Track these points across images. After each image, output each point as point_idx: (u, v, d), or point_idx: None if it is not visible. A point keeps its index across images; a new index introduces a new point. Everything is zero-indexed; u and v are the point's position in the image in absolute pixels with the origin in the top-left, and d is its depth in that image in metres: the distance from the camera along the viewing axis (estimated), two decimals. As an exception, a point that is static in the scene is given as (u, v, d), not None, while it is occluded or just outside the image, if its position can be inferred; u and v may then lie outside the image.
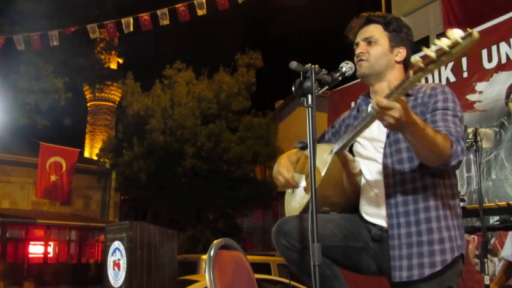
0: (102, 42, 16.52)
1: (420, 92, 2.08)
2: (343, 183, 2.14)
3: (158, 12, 10.53)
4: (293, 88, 1.89)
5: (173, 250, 5.91)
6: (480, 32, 5.14)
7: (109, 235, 5.79)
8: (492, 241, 4.76)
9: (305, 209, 2.05)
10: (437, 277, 1.90)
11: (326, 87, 1.97)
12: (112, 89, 37.57)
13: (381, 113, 1.66)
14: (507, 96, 4.81)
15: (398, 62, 2.15)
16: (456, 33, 1.46)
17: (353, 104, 6.38)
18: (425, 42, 9.24)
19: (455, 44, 1.46)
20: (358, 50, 2.15)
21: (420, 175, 1.98)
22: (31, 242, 19.27)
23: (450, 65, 5.35)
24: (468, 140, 3.76)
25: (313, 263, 1.70)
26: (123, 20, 10.59)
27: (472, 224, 3.58)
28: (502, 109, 4.85)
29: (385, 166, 2.05)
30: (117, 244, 5.58)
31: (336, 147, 2.12)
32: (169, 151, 17.46)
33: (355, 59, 2.14)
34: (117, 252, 5.55)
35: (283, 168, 2.15)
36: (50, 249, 19.81)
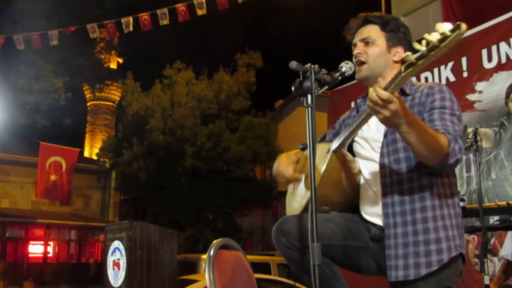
0: (102, 42, 16.51)
1: (417, 91, 2.09)
2: (343, 183, 2.14)
3: (158, 12, 10.53)
4: (293, 88, 1.90)
5: (173, 250, 5.91)
6: (480, 32, 5.16)
7: (109, 235, 5.79)
8: (492, 241, 4.76)
9: (305, 209, 2.06)
10: (434, 276, 1.89)
11: (326, 87, 1.97)
12: (112, 88, 37.61)
13: (378, 106, 1.66)
14: (507, 96, 4.81)
15: (396, 62, 2.15)
16: (444, 27, 1.46)
17: (353, 104, 6.39)
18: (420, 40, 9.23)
19: (444, 38, 1.46)
20: (355, 51, 2.16)
21: (417, 175, 1.97)
22: (31, 242, 19.27)
23: (450, 64, 5.36)
24: (468, 140, 3.76)
25: (312, 263, 1.70)
26: (123, 20, 10.60)
27: (472, 224, 3.58)
28: (502, 109, 4.84)
29: (382, 166, 2.05)
30: (117, 243, 5.58)
31: (333, 145, 2.13)
32: (169, 151, 17.47)
33: (353, 60, 2.15)
34: (117, 252, 5.55)
35: (283, 164, 2.16)
36: (50, 249, 19.81)
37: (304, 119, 1.84)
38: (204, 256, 2.49)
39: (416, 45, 1.52)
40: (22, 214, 19.24)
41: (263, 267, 9.19)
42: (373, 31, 2.16)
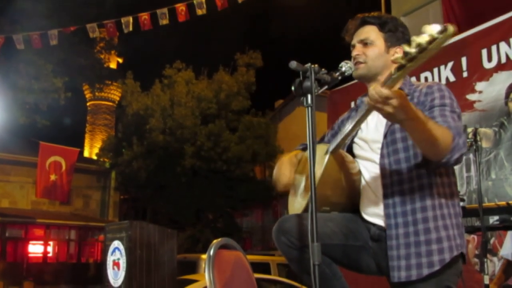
0: (101, 42, 16.51)
1: (416, 91, 2.09)
2: (342, 183, 2.15)
3: (158, 11, 10.54)
4: (292, 88, 1.90)
5: (173, 250, 5.91)
6: (480, 32, 5.16)
7: (109, 235, 5.79)
8: (491, 240, 4.76)
9: (306, 210, 2.06)
10: (435, 277, 1.90)
11: (326, 87, 1.97)
12: (112, 88, 37.59)
13: (379, 103, 1.66)
14: (507, 96, 4.81)
15: (393, 61, 2.15)
16: (432, 29, 1.47)
17: (353, 103, 6.39)
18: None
19: (432, 40, 1.46)
20: (354, 52, 2.16)
21: (417, 175, 1.98)
22: (31, 242, 19.27)
23: (450, 64, 5.36)
24: (467, 140, 3.76)
25: (312, 263, 1.70)
26: (122, 20, 10.60)
27: (472, 223, 3.58)
28: (502, 109, 4.84)
29: (382, 167, 2.05)
30: (116, 243, 5.58)
31: (331, 146, 2.13)
32: (168, 150, 17.47)
33: (352, 61, 2.14)
34: (117, 252, 5.55)
35: (284, 168, 2.17)
36: (49, 249, 19.82)
37: (304, 119, 1.84)
38: (204, 256, 2.49)
39: (406, 47, 1.53)
40: (22, 214, 19.24)
41: (263, 267, 9.18)
42: (371, 32, 2.16)
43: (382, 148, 2.07)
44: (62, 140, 21.03)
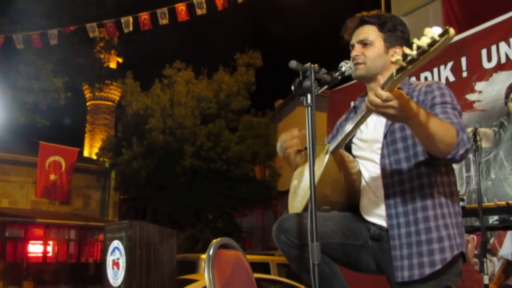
0: (101, 41, 16.51)
1: (415, 90, 2.09)
2: (342, 183, 2.15)
3: (158, 11, 10.54)
4: (292, 88, 1.90)
5: (172, 250, 5.91)
6: (480, 32, 5.16)
7: (108, 234, 5.79)
8: (491, 240, 4.76)
9: (306, 209, 2.07)
10: (436, 276, 1.90)
11: (326, 87, 1.98)
12: (112, 88, 37.59)
13: (380, 107, 1.66)
14: (507, 96, 4.81)
15: (394, 63, 2.15)
16: (433, 31, 1.47)
17: (352, 103, 6.39)
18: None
19: (433, 42, 1.47)
20: (353, 53, 2.15)
21: (417, 174, 1.98)
22: (31, 241, 19.26)
23: (450, 64, 5.36)
24: (468, 139, 3.75)
25: (312, 262, 1.70)
26: (122, 20, 10.60)
27: (472, 223, 3.59)
28: (501, 109, 4.84)
29: (383, 167, 2.06)
30: (116, 243, 5.58)
31: (331, 146, 2.13)
32: (168, 150, 17.47)
33: (351, 61, 2.14)
34: (116, 251, 5.55)
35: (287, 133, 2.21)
36: (49, 248, 19.80)
37: (304, 119, 1.84)
38: (204, 256, 2.49)
39: (406, 50, 1.53)
40: (22, 213, 19.24)
41: (262, 267, 9.18)
42: (370, 32, 2.15)
43: (382, 148, 2.07)
44: (62, 140, 21.05)
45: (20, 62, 13.55)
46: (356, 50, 2.14)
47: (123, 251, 5.44)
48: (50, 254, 19.84)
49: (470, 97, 5.08)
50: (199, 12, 10.20)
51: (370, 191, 2.12)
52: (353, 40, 2.18)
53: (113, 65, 33.83)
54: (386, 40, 2.14)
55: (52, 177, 19.08)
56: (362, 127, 2.16)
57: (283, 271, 9.59)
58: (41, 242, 19.51)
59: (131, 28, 10.62)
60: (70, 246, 20.59)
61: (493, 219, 3.52)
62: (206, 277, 2.23)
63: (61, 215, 20.90)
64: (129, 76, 19.04)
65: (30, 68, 13.75)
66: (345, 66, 2.04)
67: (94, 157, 23.84)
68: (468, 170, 4.99)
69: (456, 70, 5.30)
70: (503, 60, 4.88)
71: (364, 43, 2.14)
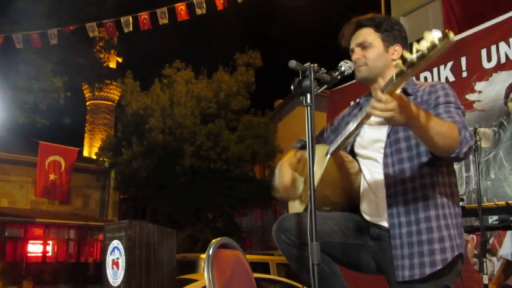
0: (101, 41, 16.51)
1: (419, 91, 2.10)
2: (342, 183, 2.15)
3: (158, 11, 10.54)
4: (292, 87, 1.90)
5: (172, 249, 5.91)
6: (480, 32, 5.16)
7: (108, 234, 5.79)
8: (491, 240, 4.76)
9: (306, 209, 2.07)
10: (436, 276, 1.91)
11: (325, 86, 1.98)
12: (111, 88, 37.53)
13: (381, 109, 1.66)
14: (506, 96, 4.81)
15: (394, 60, 2.16)
16: (433, 35, 1.47)
17: (352, 103, 6.39)
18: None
19: (432, 46, 1.47)
20: (354, 56, 2.16)
21: (420, 174, 1.99)
22: (30, 241, 19.25)
23: (450, 64, 5.36)
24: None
25: (312, 262, 1.71)
26: (122, 19, 10.60)
27: (471, 223, 3.59)
28: (501, 109, 4.84)
29: (385, 166, 2.06)
30: (116, 243, 5.58)
31: (331, 148, 2.13)
32: (168, 150, 17.47)
33: (353, 65, 2.15)
34: (116, 251, 5.55)
35: (285, 172, 2.19)
36: (49, 248, 19.80)
37: (304, 119, 1.84)
38: (203, 256, 2.49)
39: (406, 54, 1.53)
40: (21, 213, 19.23)
41: (262, 267, 9.19)
42: (368, 34, 2.16)
43: (385, 147, 2.08)
44: (62, 140, 21.04)
45: (20, 61, 13.55)
46: (357, 53, 2.15)
47: (122, 250, 5.44)
48: (49, 254, 19.84)
49: (470, 97, 5.08)
50: (199, 11, 10.20)
51: (371, 191, 2.12)
52: (352, 45, 2.19)
53: (112, 64, 33.81)
54: (384, 39, 2.15)
55: (51, 176, 19.08)
56: (366, 126, 2.16)
57: (282, 271, 9.59)
58: (40, 241, 19.51)
59: (131, 28, 10.62)
60: (69, 246, 20.58)
61: (492, 219, 3.52)
62: (206, 277, 2.23)
63: (61, 215, 20.89)
64: (129, 76, 19.04)
65: (30, 68, 13.75)
66: (344, 66, 2.04)
67: (94, 156, 23.83)
68: (467, 170, 4.99)
69: (456, 70, 5.30)
70: (502, 60, 4.88)
71: (363, 46, 2.14)
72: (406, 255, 1.94)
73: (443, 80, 5.35)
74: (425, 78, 5.47)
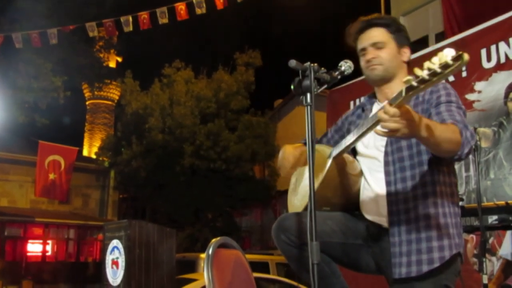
0: (101, 41, 16.50)
1: None
2: (343, 184, 2.16)
3: (157, 11, 10.54)
4: (292, 87, 1.90)
5: (172, 249, 5.92)
6: (480, 32, 5.16)
7: (108, 234, 5.80)
8: (490, 240, 4.76)
9: (306, 208, 2.07)
10: (434, 274, 1.91)
11: (325, 86, 1.98)
12: (111, 87, 37.49)
13: (387, 121, 1.64)
14: (506, 96, 4.81)
15: (404, 62, 2.17)
16: (446, 55, 1.46)
17: (352, 103, 6.40)
18: (425, 41, 9.23)
19: (445, 66, 1.46)
20: (368, 56, 2.13)
21: (420, 173, 2.00)
22: (30, 241, 19.24)
23: (449, 64, 5.34)
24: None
25: (311, 262, 1.71)
26: (122, 19, 10.60)
27: (471, 223, 3.59)
28: (501, 109, 4.85)
29: (386, 164, 2.07)
30: (115, 242, 5.59)
31: (334, 151, 2.13)
32: (168, 149, 17.46)
33: (365, 65, 2.14)
34: (116, 251, 5.55)
35: (289, 155, 2.20)
36: (48, 248, 19.79)
37: (303, 118, 1.85)
38: (203, 255, 2.49)
39: (417, 71, 1.52)
40: (21, 213, 19.22)
41: (262, 266, 9.19)
42: (381, 34, 2.15)
43: (386, 146, 2.08)
44: (61, 139, 21.01)
45: (20, 61, 13.55)
46: (371, 53, 2.13)
47: (122, 250, 5.45)
48: (49, 253, 19.83)
49: (470, 97, 5.08)
50: (198, 11, 10.20)
51: (371, 189, 2.13)
52: (364, 44, 2.16)
53: (112, 64, 33.79)
54: (396, 40, 2.15)
55: (51, 176, 19.07)
56: None
57: (282, 271, 9.60)
58: (40, 241, 19.50)
59: (130, 28, 10.62)
60: (69, 245, 20.57)
61: (492, 219, 3.52)
62: (205, 277, 2.23)
63: (60, 214, 20.88)
64: (129, 76, 19.02)
65: (30, 67, 13.75)
66: (344, 66, 2.04)
67: (94, 156, 23.81)
68: (467, 169, 4.99)
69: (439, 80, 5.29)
70: (502, 60, 4.88)
71: (378, 46, 2.13)
72: (404, 252, 1.95)
73: (442, 80, 5.34)
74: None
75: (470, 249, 4.88)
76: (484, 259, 3.53)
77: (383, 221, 2.07)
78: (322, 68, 1.94)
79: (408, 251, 1.94)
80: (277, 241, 2.07)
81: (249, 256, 2.88)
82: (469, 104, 5.04)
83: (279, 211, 20.44)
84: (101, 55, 17.03)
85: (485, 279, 3.53)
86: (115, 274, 5.50)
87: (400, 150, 2.04)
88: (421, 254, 1.92)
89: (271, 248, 17.34)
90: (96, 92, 36.58)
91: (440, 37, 8.88)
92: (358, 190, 2.18)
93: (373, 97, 2.29)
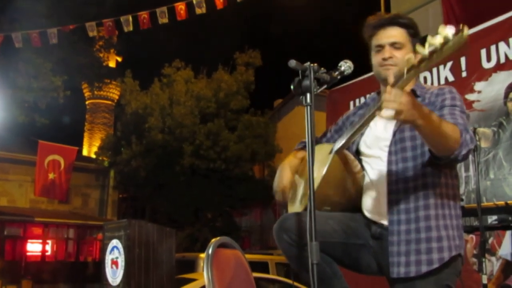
0: (101, 40, 16.51)
1: (427, 93, 2.12)
2: (345, 183, 2.15)
3: (157, 10, 10.54)
4: (292, 87, 1.90)
5: (171, 249, 5.92)
6: (479, 32, 5.16)
7: (107, 233, 5.80)
8: (490, 240, 4.77)
9: (306, 208, 2.07)
10: (434, 275, 1.92)
11: (325, 86, 1.98)
12: (111, 87, 37.47)
13: (393, 101, 1.66)
14: (506, 96, 4.81)
15: (406, 61, 2.17)
16: (447, 31, 1.46)
17: (351, 103, 6.41)
18: (424, 41, 9.22)
19: (445, 42, 1.46)
20: (386, 55, 2.12)
21: (423, 173, 2.00)
22: (29, 240, 19.22)
23: (449, 64, 5.36)
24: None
25: (311, 262, 1.71)
26: (122, 18, 10.60)
27: (470, 223, 3.59)
28: (500, 109, 4.85)
29: (389, 163, 2.08)
30: (115, 242, 5.59)
31: (336, 146, 2.13)
32: (167, 149, 17.46)
33: (379, 62, 2.13)
34: (115, 250, 5.55)
35: (285, 173, 2.22)
36: (48, 247, 19.77)
37: (303, 118, 1.85)
38: (203, 255, 2.49)
39: (419, 48, 1.53)
40: (21, 212, 19.21)
41: (261, 266, 9.19)
42: (401, 35, 2.14)
43: (390, 146, 2.09)
44: (61, 139, 20.99)
45: (20, 61, 13.55)
46: (388, 52, 2.12)
47: (122, 250, 5.45)
48: (48, 253, 19.81)
49: (470, 97, 5.09)
50: (198, 11, 10.20)
51: (373, 189, 2.13)
52: (382, 41, 2.14)
53: (112, 64, 33.79)
54: (412, 44, 2.14)
55: (51, 176, 19.07)
56: (372, 124, 2.16)
57: (282, 271, 9.59)
58: (39, 241, 19.48)
59: (130, 27, 10.62)
60: (68, 245, 20.55)
61: (492, 219, 3.53)
62: (205, 276, 2.23)
63: (60, 214, 20.87)
64: (128, 75, 19.02)
65: (29, 67, 13.75)
66: (344, 66, 2.04)
67: (93, 156, 23.82)
68: (467, 170, 4.99)
69: (455, 70, 5.30)
70: (502, 60, 4.88)
71: (396, 46, 2.12)
72: (403, 252, 1.95)
73: (442, 80, 5.36)
74: (425, 79, 5.47)
75: (470, 249, 4.88)
76: (483, 259, 3.54)
77: (385, 220, 2.07)
78: (322, 68, 1.94)
79: (406, 251, 1.95)
80: (279, 240, 2.07)
81: (248, 256, 2.88)
82: (469, 104, 5.05)
83: (279, 211, 20.42)
84: (101, 55, 17.04)
85: (484, 279, 3.53)
86: (114, 273, 5.50)
87: (404, 151, 2.05)
88: (420, 255, 1.92)
89: (271, 248, 17.35)
90: (96, 92, 36.55)
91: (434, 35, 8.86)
92: (359, 190, 2.18)
93: (377, 97, 2.29)
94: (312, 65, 1.90)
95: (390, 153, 2.08)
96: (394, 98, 1.65)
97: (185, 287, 6.03)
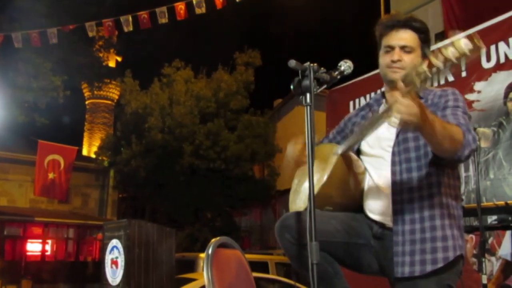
0: (100, 40, 16.51)
1: (430, 94, 2.13)
2: (348, 184, 2.15)
3: (157, 10, 10.54)
4: (291, 87, 1.90)
5: (171, 249, 5.92)
6: (479, 32, 5.17)
7: (107, 233, 5.80)
8: (490, 240, 4.76)
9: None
10: (437, 274, 1.92)
11: (325, 86, 1.98)
12: (111, 87, 37.47)
13: (406, 112, 1.65)
14: (506, 96, 4.81)
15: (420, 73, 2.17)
16: (463, 46, 1.46)
17: (351, 103, 6.40)
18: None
19: (461, 56, 1.47)
20: (395, 57, 2.11)
21: (426, 174, 2.01)
22: (29, 240, 19.23)
23: (449, 64, 5.34)
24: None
25: (311, 262, 1.71)
26: (122, 18, 10.60)
27: (470, 223, 3.59)
28: (500, 109, 4.84)
29: (393, 164, 2.08)
30: (115, 242, 5.59)
31: (341, 147, 2.13)
32: (167, 149, 17.46)
33: (387, 63, 2.12)
34: (115, 250, 5.55)
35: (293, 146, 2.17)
36: (48, 247, 19.78)
37: (303, 118, 1.85)
38: (202, 255, 2.49)
39: (433, 59, 1.52)
40: (20, 212, 19.21)
41: (261, 266, 9.19)
42: (413, 39, 2.12)
43: (393, 146, 2.09)
44: (61, 139, 21.00)
45: (19, 60, 13.56)
46: (398, 55, 2.10)
47: (121, 250, 5.45)
48: (48, 253, 19.82)
49: (469, 97, 5.08)
50: (198, 11, 10.20)
51: (376, 188, 2.13)
52: (393, 42, 2.13)
53: (112, 64, 33.80)
54: (422, 49, 2.13)
55: (50, 175, 19.07)
56: None
57: (281, 270, 9.60)
58: (39, 240, 19.49)
59: (130, 27, 10.63)
60: (68, 245, 20.56)
61: (491, 219, 3.53)
62: (205, 276, 2.23)
63: (60, 214, 20.87)
64: (128, 75, 19.03)
65: (29, 67, 13.76)
66: (344, 65, 2.03)
67: (93, 155, 23.81)
68: (467, 170, 4.99)
69: (455, 70, 5.29)
70: (502, 60, 4.87)
71: (406, 50, 2.11)
72: (407, 252, 1.96)
73: (442, 80, 5.35)
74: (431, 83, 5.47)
75: (470, 249, 4.87)
76: (483, 259, 3.53)
77: (387, 220, 2.07)
78: (322, 68, 1.94)
79: (411, 250, 1.95)
80: (281, 239, 2.07)
81: (248, 256, 2.88)
82: (468, 104, 5.04)
83: (279, 211, 20.45)
84: (101, 55, 17.05)
85: (484, 279, 3.53)
86: (114, 273, 5.50)
87: (407, 151, 2.06)
88: (425, 254, 1.93)
89: (271, 248, 17.38)
90: (95, 92, 36.53)
91: (440, 37, 8.87)
92: (361, 191, 2.19)
93: (380, 98, 2.29)
94: (312, 65, 1.89)
95: (393, 153, 2.09)
96: (406, 110, 1.64)
97: (185, 287, 6.03)
